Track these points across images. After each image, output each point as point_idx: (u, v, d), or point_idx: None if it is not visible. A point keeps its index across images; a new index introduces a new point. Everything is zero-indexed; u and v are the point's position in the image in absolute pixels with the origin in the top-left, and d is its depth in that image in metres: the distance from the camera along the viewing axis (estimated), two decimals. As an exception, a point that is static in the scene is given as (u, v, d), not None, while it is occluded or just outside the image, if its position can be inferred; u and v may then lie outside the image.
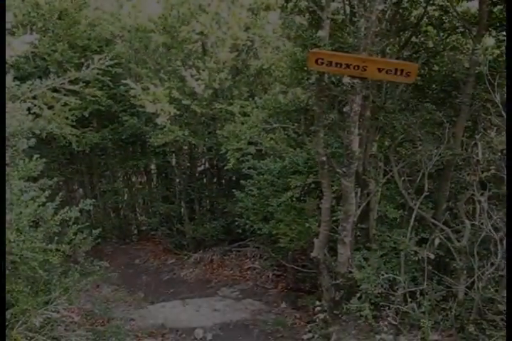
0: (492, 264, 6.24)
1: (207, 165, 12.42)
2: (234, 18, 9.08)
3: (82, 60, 9.42)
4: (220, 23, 9.21)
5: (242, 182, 9.26)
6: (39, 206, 4.68)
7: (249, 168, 8.83)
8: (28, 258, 4.39)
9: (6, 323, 4.46)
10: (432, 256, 6.85)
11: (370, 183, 7.46)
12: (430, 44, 7.66)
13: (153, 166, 13.25)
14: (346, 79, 5.68)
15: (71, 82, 6.48)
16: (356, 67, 5.49)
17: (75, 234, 5.33)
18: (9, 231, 4.18)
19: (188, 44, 9.73)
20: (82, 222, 5.79)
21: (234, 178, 12.00)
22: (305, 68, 6.78)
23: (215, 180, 12.49)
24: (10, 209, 4.41)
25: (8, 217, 4.24)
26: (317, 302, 8.11)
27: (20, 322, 4.55)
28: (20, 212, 4.41)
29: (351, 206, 6.68)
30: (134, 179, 13.62)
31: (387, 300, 6.92)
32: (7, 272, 4.53)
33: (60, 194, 5.37)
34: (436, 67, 7.87)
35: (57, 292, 4.92)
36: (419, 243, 7.13)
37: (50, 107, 8.40)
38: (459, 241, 7.02)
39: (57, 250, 4.82)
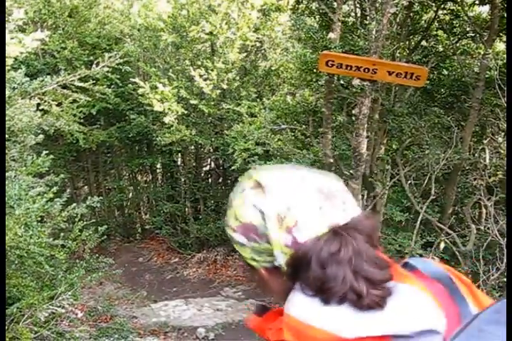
0: (497, 269, 6.23)
1: (212, 165, 12.44)
2: (244, 18, 9.08)
3: (91, 58, 9.48)
4: (229, 23, 9.22)
5: (247, 182, 9.22)
6: (47, 202, 4.68)
7: (255, 169, 8.80)
8: (35, 253, 4.38)
9: (12, 317, 4.47)
10: (437, 260, 6.85)
11: (377, 186, 7.45)
12: (440, 48, 7.67)
13: (158, 165, 13.24)
14: (356, 82, 5.68)
15: (80, 79, 6.52)
16: (366, 70, 5.48)
17: (81, 230, 5.33)
18: (17, 225, 4.19)
19: (197, 44, 9.76)
20: (87, 219, 5.80)
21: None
22: (314, 70, 6.79)
23: (220, 180, 12.51)
24: (18, 205, 4.42)
25: (16, 212, 4.25)
26: (320, 304, 8.09)
27: (26, 316, 4.56)
28: (28, 208, 4.41)
29: (357, 208, 6.65)
30: (139, 177, 13.64)
31: (391, 303, 6.90)
32: (14, 267, 4.54)
33: (68, 191, 5.39)
34: (445, 72, 7.87)
35: (63, 287, 4.90)
36: (424, 246, 7.11)
37: (59, 104, 8.43)
38: (464, 246, 7.01)
39: (63, 246, 4.82)
